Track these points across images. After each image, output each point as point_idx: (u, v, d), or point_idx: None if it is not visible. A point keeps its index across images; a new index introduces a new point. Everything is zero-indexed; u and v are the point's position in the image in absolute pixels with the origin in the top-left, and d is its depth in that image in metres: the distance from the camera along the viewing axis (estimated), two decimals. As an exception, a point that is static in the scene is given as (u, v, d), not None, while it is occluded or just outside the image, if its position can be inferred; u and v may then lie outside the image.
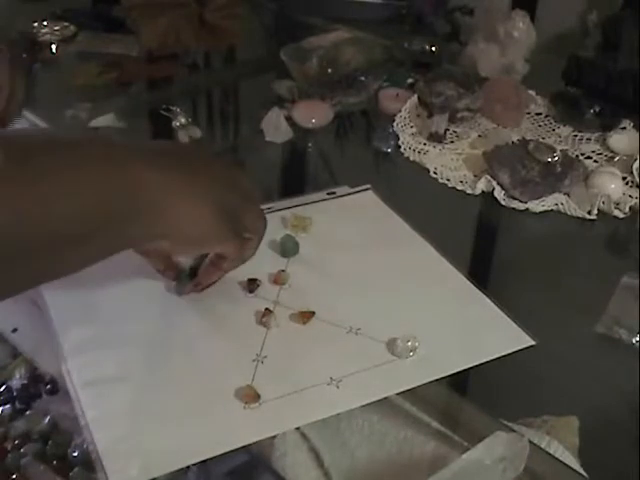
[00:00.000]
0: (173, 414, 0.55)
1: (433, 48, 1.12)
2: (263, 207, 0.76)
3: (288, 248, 0.70)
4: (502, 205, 0.83)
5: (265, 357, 0.60)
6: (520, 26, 1.04)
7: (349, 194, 0.80)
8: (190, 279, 0.66)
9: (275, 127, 0.93)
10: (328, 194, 0.80)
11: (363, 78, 1.03)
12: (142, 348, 0.60)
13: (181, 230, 0.56)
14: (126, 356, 0.59)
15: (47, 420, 0.58)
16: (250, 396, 0.56)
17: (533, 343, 0.62)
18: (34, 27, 1.17)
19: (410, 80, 1.04)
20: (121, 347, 0.60)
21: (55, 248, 0.50)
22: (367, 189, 0.81)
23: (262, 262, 0.69)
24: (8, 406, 0.59)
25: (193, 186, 0.55)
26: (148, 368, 0.58)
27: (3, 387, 0.60)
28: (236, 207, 0.59)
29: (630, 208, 0.83)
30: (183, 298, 0.65)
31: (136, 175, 0.52)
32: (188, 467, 0.54)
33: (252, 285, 0.66)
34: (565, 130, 0.97)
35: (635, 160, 0.87)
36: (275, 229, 0.73)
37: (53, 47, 1.14)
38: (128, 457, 0.52)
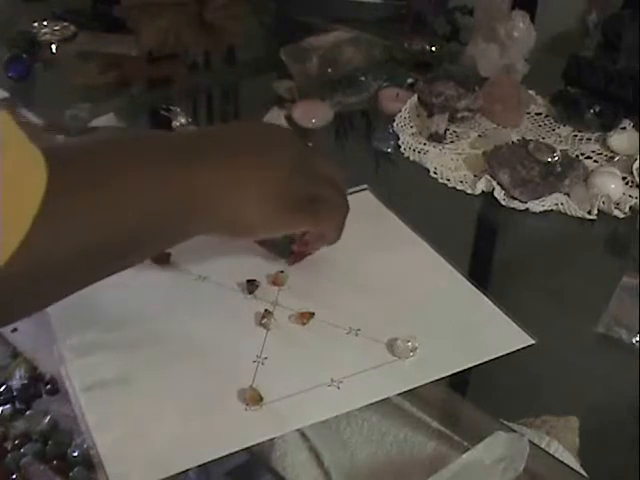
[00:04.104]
0: (174, 417, 0.55)
1: (433, 48, 1.12)
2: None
3: (286, 248, 0.70)
4: (502, 205, 0.83)
5: (265, 358, 0.60)
6: (520, 26, 1.03)
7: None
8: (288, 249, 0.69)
9: (275, 127, 0.93)
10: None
11: (363, 78, 1.03)
12: (142, 351, 0.60)
13: (239, 223, 0.58)
14: (126, 359, 0.59)
15: (47, 420, 0.58)
16: (253, 398, 0.56)
17: (533, 342, 0.62)
18: (34, 27, 1.17)
19: (410, 80, 1.04)
20: (121, 350, 0.60)
21: (115, 252, 0.51)
22: (364, 189, 0.81)
23: (260, 263, 0.69)
24: (8, 406, 0.59)
25: (251, 180, 0.56)
26: (148, 371, 0.58)
27: (3, 387, 0.60)
28: (302, 192, 0.60)
29: (630, 208, 0.83)
30: (182, 299, 0.65)
31: (196, 174, 0.53)
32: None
33: (251, 286, 0.66)
34: (565, 130, 0.97)
35: (635, 160, 0.87)
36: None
37: (53, 47, 1.14)
38: (130, 461, 0.52)
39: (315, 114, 0.97)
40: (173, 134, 0.62)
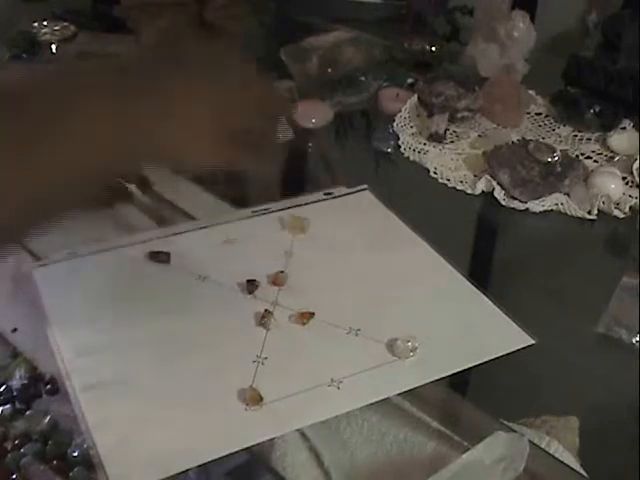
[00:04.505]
0: (174, 417, 0.55)
1: (433, 48, 1.12)
2: (259, 208, 0.76)
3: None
4: (502, 205, 0.83)
5: (265, 358, 0.60)
6: (520, 26, 1.03)
7: (346, 194, 0.80)
8: None
9: (275, 127, 0.93)
10: (325, 194, 0.80)
11: (363, 78, 1.03)
12: (142, 351, 0.60)
13: (176, 157, 0.55)
14: (126, 359, 0.59)
15: (47, 420, 0.58)
16: (253, 398, 0.56)
17: (533, 342, 0.62)
18: (34, 27, 1.17)
19: (410, 80, 1.04)
20: (121, 350, 0.60)
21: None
22: (364, 189, 0.81)
23: (260, 263, 0.69)
24: (8, 406, 0.59)
25: (194, 114, 0.55)
26: (148, 371, 0.58)
27: (3, 387, 0.60)
28: (242, 129, 0.57)
29: (630, 208, 0.83)
30: (182, 299, 0.65)
31: (147, 102, 0.52)
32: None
33: (251, 286, 0.66)
34: (565, 130, 0.97)
35: (635, 160, 0.87)
36: (273, 230, 0.73)
37: (53, 47, 1.14)
38: (130, 461, 0.52)
39: (315, 114, 0.97)
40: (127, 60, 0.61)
